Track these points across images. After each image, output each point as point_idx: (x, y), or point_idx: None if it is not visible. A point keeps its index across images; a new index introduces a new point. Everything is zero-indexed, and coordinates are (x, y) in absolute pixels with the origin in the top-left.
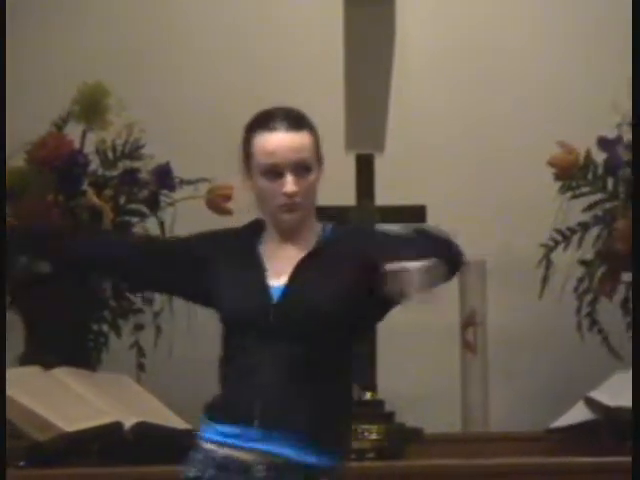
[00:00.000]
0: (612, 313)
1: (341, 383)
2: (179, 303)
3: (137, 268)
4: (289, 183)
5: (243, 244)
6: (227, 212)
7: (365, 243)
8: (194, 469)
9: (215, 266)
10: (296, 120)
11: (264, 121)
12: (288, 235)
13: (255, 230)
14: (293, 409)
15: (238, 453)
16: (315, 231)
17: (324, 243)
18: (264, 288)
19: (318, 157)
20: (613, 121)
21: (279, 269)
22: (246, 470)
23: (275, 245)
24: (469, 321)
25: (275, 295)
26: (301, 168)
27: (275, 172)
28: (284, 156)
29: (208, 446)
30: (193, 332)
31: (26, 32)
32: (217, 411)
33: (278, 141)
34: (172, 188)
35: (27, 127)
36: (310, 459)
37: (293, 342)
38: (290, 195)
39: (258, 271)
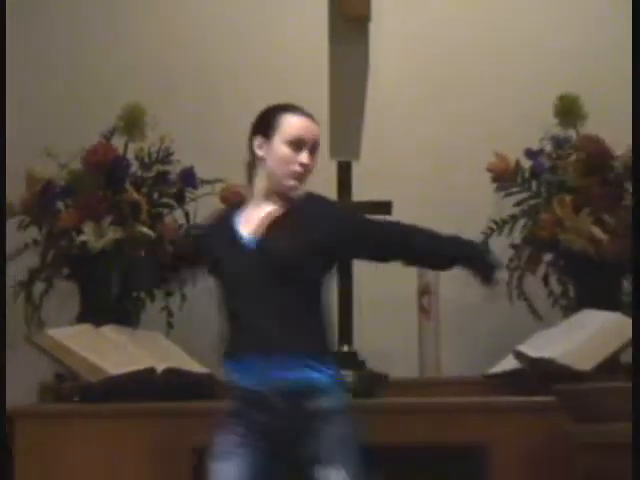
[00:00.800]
0: (535, 285)
1: (315, 312)
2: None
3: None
4: (307, 156)
5: (225, 225)
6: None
7: (340, 215)
8: (231, 406)
9: (213, 250)
10: (313, 118)
11: (293, 108)
12: (274, 197)
13: (233, 210)
14: (281, 337)
15: (253, 387)
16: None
17: (296, 205)
18: (241, 246)
19: None
20: (537, 136)
21: (254, 225)
22: (263, 401)
23: (256, 207)
24: (424, 290)
25: (250, 247)
26: (314, 149)
27: (298, 144)
28: (309, 135)
29: (234, 385)
30: (211, 297)
31: (81, 57)
32: (227, 354)
33: (307, 123)
34: (194, 186)
35: (82, 137)
36: (310, 375)
37: (271, 285)
38: (305, 166)
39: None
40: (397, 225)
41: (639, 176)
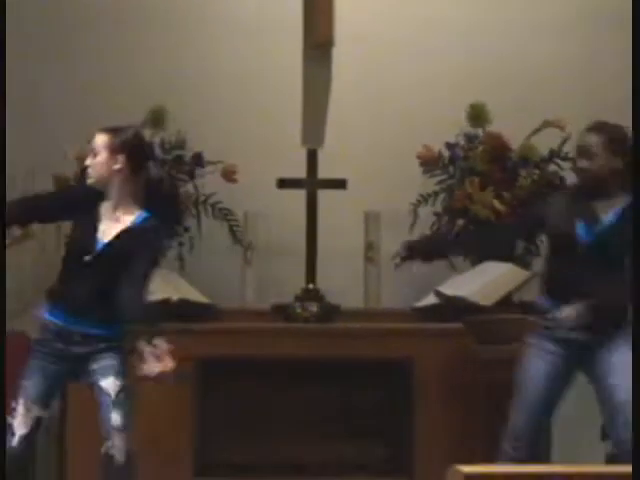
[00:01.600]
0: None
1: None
2: (205, 230)
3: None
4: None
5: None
6: (233, 180)
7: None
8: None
9: None
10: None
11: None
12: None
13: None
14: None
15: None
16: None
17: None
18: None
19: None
20: (454, 133)
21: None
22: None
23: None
24: (369, 246)
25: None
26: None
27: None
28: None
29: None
30: (210, 248)
31: (120, 63)
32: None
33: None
34: (202, 166)
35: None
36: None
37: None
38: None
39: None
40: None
41: (638, 176)
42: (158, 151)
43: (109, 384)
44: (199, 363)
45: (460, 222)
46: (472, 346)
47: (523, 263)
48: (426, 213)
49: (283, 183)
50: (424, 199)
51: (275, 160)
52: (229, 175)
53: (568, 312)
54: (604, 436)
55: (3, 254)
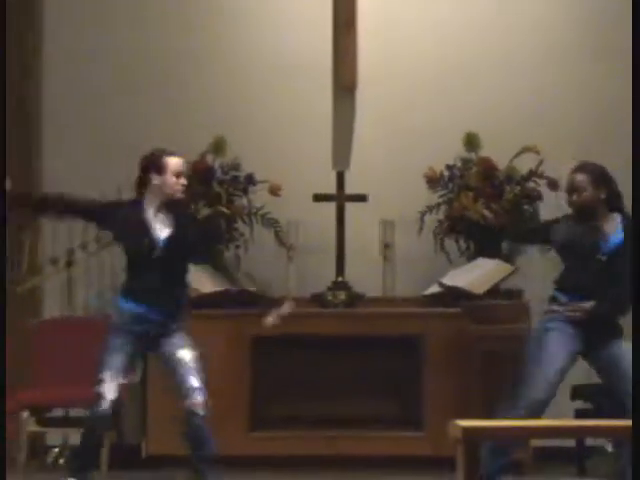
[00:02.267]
0: (450, 244)
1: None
2: (256, 235)
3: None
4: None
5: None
6: (277, 195)
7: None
8: None
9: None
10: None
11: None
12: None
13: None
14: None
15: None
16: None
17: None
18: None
19: None
20: (453, 156)
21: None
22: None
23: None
24: (386, 246)
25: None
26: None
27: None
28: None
29: None
30: (260, 249)
31: (186, 99)
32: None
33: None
34: (254, 184)
35: (188, 154)
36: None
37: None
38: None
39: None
40: None
41: (638, 175)
42: (219, 172)
43: (185, 354)
44: (255, 339)
45: (458, 227)
46: (468, 325)
47: (508, 259)
48: (431, 220)
49: (317, 197)
50: (429, 209)
51: (311, 179)
52: (275, 191)
53: (590, 305)
54: (574, 396)
55: (3, 254)
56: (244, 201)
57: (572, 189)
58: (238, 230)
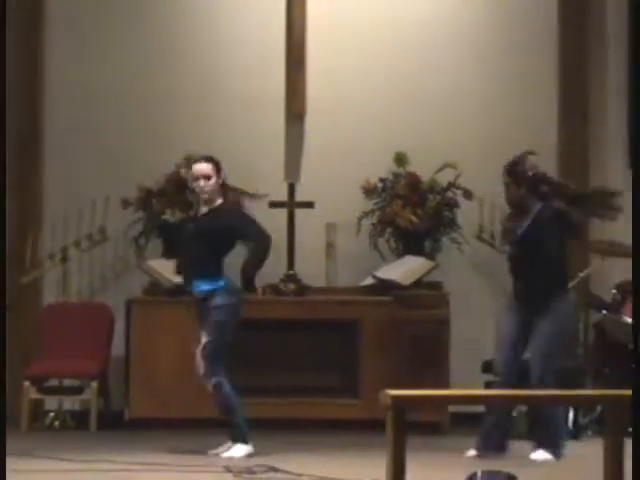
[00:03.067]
0: (383, 244)
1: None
2: None
3: None
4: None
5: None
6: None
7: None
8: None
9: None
10: (206, 159)
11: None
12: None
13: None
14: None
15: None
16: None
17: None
18: None
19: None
20: (385, 171)
21: None
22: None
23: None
24: (329, 245)
25: None
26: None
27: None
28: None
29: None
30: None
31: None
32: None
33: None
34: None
35: (165, 168)
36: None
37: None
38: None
39: None
40: None
41: (639, 175)
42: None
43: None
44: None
45: (389, 230)
46: (397, 311)
47: (430, 257)
48: (367, 224)
49: (272, 204)
50: (365, 214)
51: (267, 189)
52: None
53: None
54: (484, 370)
55: (3, 254)
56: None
57: (505, 189)
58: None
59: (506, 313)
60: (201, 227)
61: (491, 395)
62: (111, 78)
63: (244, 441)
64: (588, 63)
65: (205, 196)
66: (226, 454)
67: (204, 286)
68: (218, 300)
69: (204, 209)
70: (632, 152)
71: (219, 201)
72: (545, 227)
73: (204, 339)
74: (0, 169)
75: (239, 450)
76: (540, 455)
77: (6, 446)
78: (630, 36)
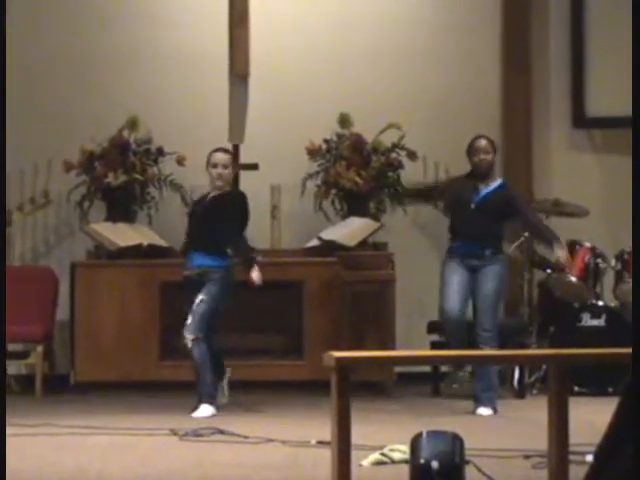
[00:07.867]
0: (327, 205)
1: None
2: (166, 197)
3: None
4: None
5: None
6: (183, 165)
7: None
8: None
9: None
10: (224, 150)
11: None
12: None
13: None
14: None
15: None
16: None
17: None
18: None
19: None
20: (330, 132)
21: None
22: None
23: None
24: (274, 207)
25: None
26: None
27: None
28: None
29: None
30: (169, 209)
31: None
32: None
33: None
34: (163, 155)
35: (108, 130)
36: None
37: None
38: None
39: None
40: None
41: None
42: (134, 146)
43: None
44: (164, 283)
45: (334, 191)
46: (342, 272)
47: (375, 218)
48: (311, 185)
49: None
50: (310, 176)
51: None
52: (181, 161)
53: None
54: (430, 330)
55: (3, 254)
56: (155, 169)
57: (477, 152)
58: (150, 194)
59: (447, 269)
60: (209, 209)
61: (435, 356)
62: (50, 38)
63: (210, 402)
64: (530, 20)
65: (220, 183)
66: (194, 414)
67: (206, 261)
68: (217, 275)
69: (214, 192)
70: (633, 143)
71: (227, 188)
72: (503, 201)
73: (200, 297)
74: None
75: (205, 410)
76: (484, 411)
77: None
78: None
